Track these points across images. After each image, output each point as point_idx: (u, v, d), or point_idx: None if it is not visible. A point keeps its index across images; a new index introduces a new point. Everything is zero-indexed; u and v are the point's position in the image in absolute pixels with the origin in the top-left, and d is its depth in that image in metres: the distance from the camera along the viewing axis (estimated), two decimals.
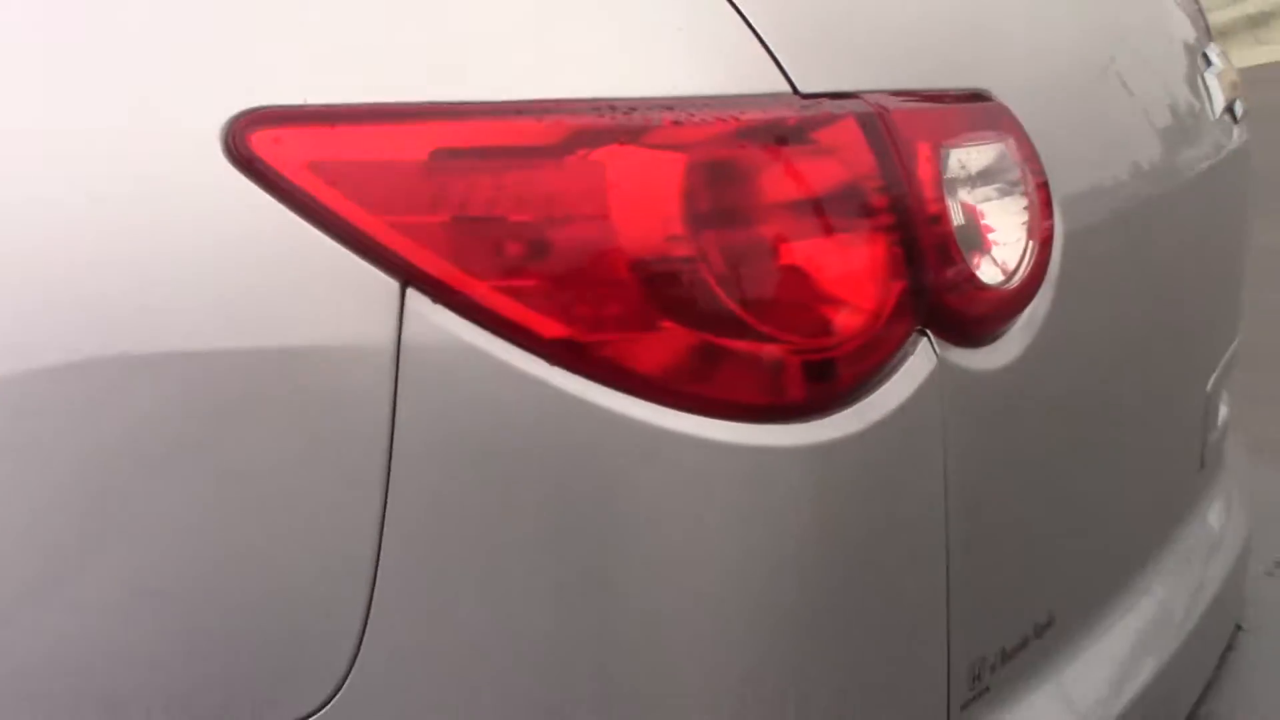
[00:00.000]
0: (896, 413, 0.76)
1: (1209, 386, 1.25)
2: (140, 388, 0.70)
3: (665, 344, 0.70)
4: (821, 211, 0.74)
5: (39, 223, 0.72)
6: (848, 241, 0.75)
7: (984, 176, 0.84)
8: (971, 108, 0.86)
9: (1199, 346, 1.25)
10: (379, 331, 0.69)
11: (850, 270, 0.74)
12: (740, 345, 0.71)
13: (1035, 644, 0.95)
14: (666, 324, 0.70)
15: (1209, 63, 1.25)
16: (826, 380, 0.74)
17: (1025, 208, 0.86)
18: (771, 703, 0.77)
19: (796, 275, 0.73)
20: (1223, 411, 1.34)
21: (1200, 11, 1.41)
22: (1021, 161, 0.86)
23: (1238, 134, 1.30)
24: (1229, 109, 1.27)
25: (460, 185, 0.70)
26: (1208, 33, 1.40)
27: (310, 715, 0.72)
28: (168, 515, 0.71)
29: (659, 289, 0.70)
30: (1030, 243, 0.86)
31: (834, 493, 0.75)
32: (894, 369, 0.77)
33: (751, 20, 0.75)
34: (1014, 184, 0.86)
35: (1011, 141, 0.86)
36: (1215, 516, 1.33)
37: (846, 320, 0.74)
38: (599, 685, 0.75)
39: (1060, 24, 1.07)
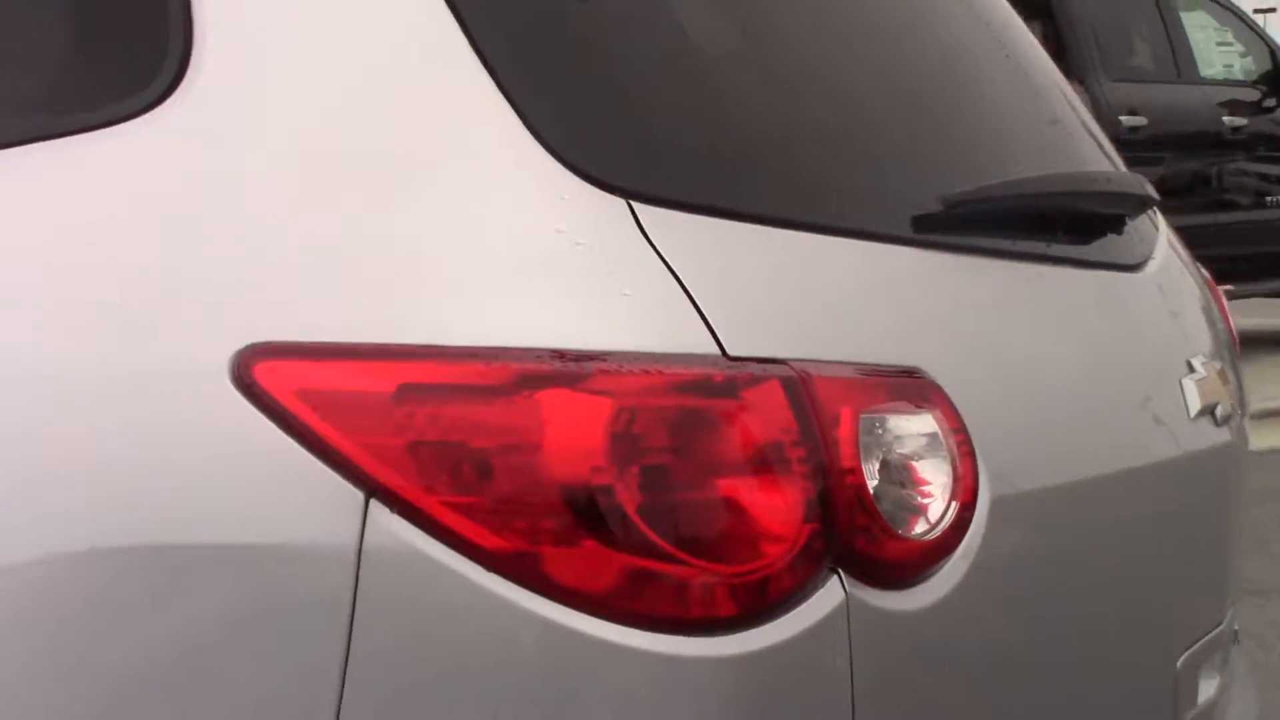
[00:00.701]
0: (798, 638, 0.86)
1: (1179, 664, 1.30)
2: (132, 575, 0.82)
3: (587, 560, 0.81)
4: (737, 459, 0.86)
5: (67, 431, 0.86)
6: (760, 486, 0.86)
7: (905, 442, 0.95)
8: (896, 381, 0.98)
9: (1162, 623, 1.30)
10: (345, 535, 0.81)
11: (760, 512, 0.85)
12: (652, 566, 0.82)
13: None
14: (588, 543, 0.81)
15: (1190, 369, 1.36)
16: (731, 603, 0.84)
17: (948, 472, 0.96)
18: None
19: (708, 511, 0.85)
20: (1206, 689, 1.38)
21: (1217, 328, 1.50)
22: (947, 431, 0.97)
23: (1220, 435, 1.39)
24: (1209, 412, 1.35)
25: (420, 415, 0.83)
26: (1229, 345, 1.49)
27: None
28: (145, 683, 0.82)
29: (582, 512, 0.81)
30: (952, 503, 0.96)
31: (734, 703, 0.84)
32: (800, 600, 0.86)
33: (691, 290, 0.89)
34: (938, 450, 0.96)
35: (938, 413, 0.97)
36: None
37: (751, 554, 0.85)
38: None
39: (1013, 319, 1.18)
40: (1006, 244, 1.20)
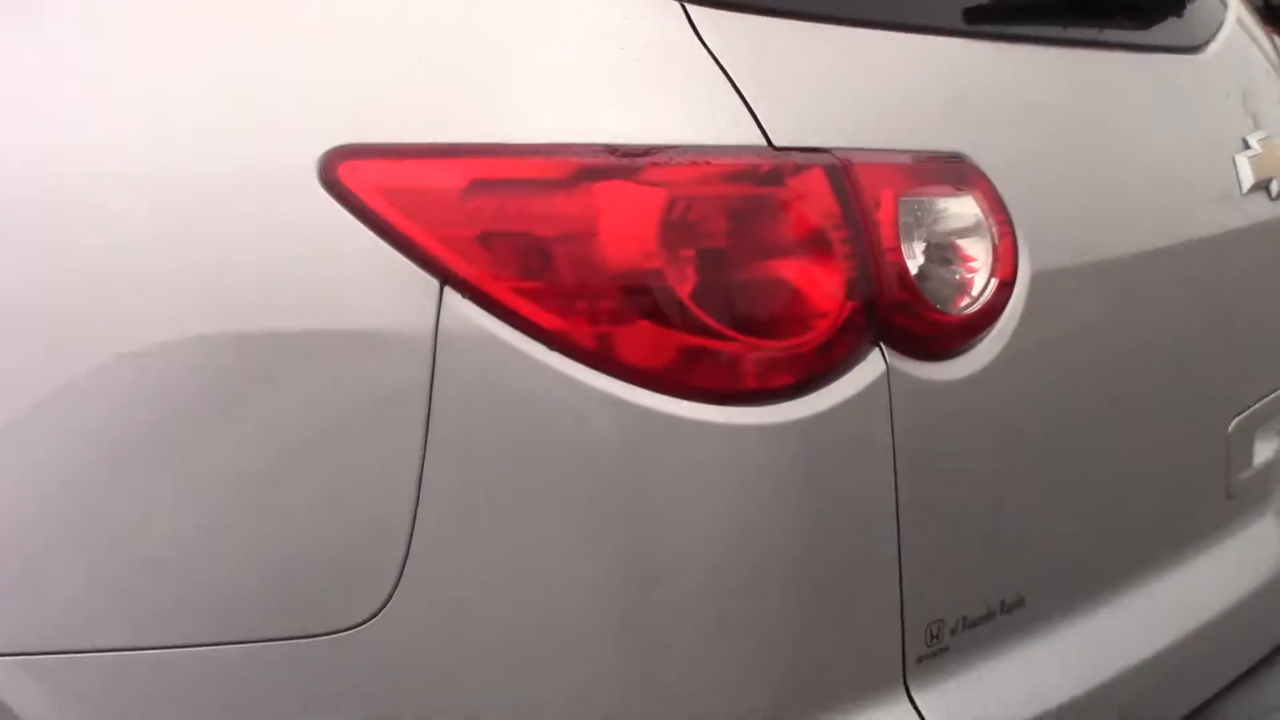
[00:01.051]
0: (843, 405, 0.93)
1: (1231, 427, 1.36)
2: (232, 359, 0.92)
3: (642, 339, 0.89)
4: (781, 243, 0.92)
5: (177, 218, 0.94)
6: (804, 268, 0.92)
7: (946, 222, 1.00)
8: (938, 165, 1.02)
9: (1213, 389, 1.35)
10: (422, 320, 0.89)
11: (804, 291, 0.92)
12: (704, 343, 0.89)
13: (1003, 619, 1.09)
14: (643, 324, 0.89)
15: (1246, 146, 1.37)
16: (778, 375, 0.91)
17: (988, 250, 1.02)
18: (744, 643, 0.95)
19: (756, 291, 0.92)
20: (1263, 450, 1.44)
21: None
22: (987, 211, 1.02)
23: (1276, 209, 1.41)
24: (1263, 186, 1.37)
25: (489, 207, 0.90)
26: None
27: (361, 623, 0.93)
28: (253, 458, 0.93)
29: (636, 295, 0.88)
30: (991, 279, 1.02)
31: (785, 465, 0.93)
32: (844, 370, 0.93)
33: (739, 85, 0.94)
34: (978, 230, 1.01)
35: (978, 195, 1.02)
36: (1250, 543, 1.42)
37: (797, 330, 0.91)
38: (615, 623, 0.93)
39: (1055, 102, 1.21)
40: (1057, 31, 1.22)
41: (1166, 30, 1.35)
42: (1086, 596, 1.19)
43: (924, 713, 1.01)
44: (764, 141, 0.93)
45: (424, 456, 0.90)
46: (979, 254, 1.02)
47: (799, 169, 0.93)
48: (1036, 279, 1.06)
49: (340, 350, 0.92)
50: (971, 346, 1.02)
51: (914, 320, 0.97)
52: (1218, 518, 1.38)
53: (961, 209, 1.02)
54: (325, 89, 0.96)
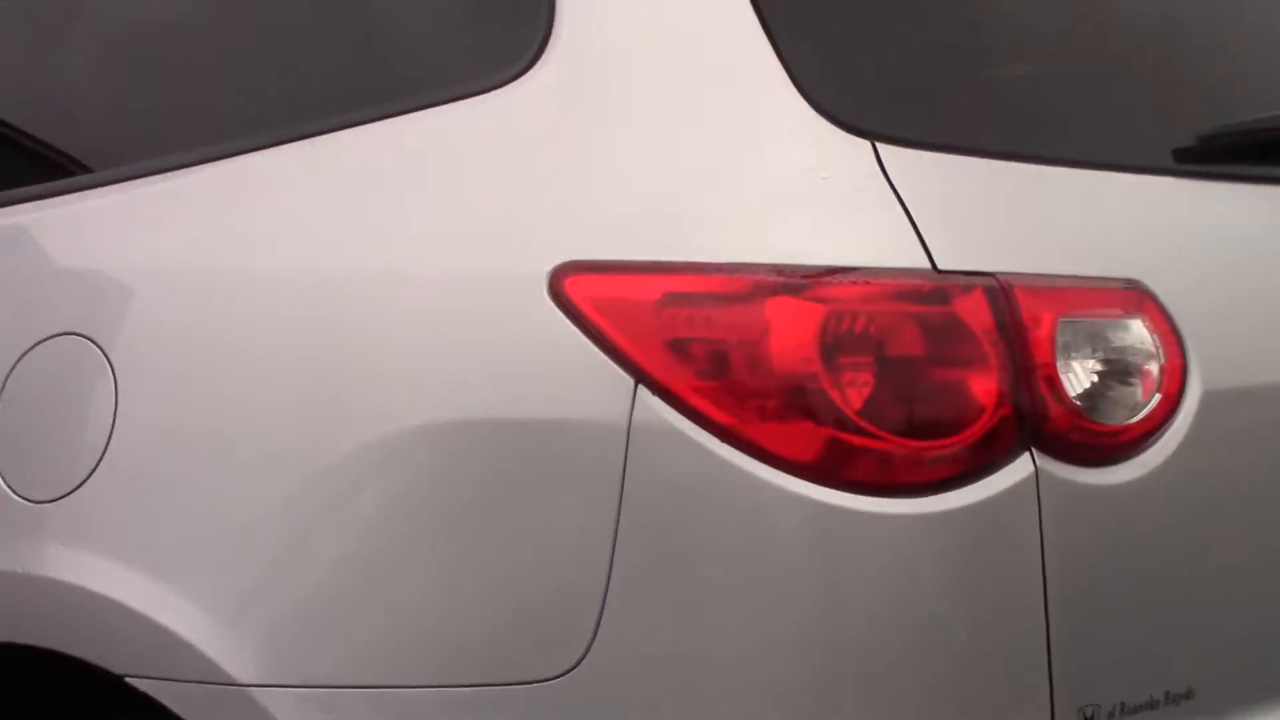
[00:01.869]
0: (990, 500, 1.03)
1: None
2: (476, 443, 1.10)
3: (800, 435, 1.02)
4: (941, 355, 1.03)
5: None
6: (957, 378, 1.03)
7: (1109, 342, 1.09)
8: (1103, 291, 1.11)
9: None
10: (619, 413, 1.05)
11: (951, 400, 1.03)
12: (855, 441, 1.01)
13: (1169, 708, 1.13)
14: (803, 422, 1.02)
15: None
16: (928, 471, 1.02)
17: (1155, 370, 1.09)
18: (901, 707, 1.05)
19: (906, 397, 1.03)
20: None
21: None
22: (1154, 333, 1.10)
23: None
24: None
25: (679, 317, 1.05)
26: None
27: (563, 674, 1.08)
28: (486, 525, 1.11)
29: (796, 396, 1.02)
30: (1155, 394, 1.09)
31: (937, 552, 1.03)
32: (992, 471, 1.03)
33: (913, 215, 1.06)
34: (1144, 351, 1.09)
35: (1145, 318, 1.10)
36: None
37: (949, 433, 1.02)
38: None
39: (1252, 236, 1.26)
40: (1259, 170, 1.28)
41: None
42: (1261, 695, 1.21)
43: None
44: (929, 265, 1.05)
45: (617, 529, 1.06)
46: (1142, 372, 1.10)
47: (963, 291, 1.04)
48: (1208, 396, 1.12)
49: (559, 436, 1.09)
50: (1133, 455, 1.10)
51: (1066, 428, 1.06)
52: None
53: (1125, 330, 1.10)
54: (558, 215, 1.15)
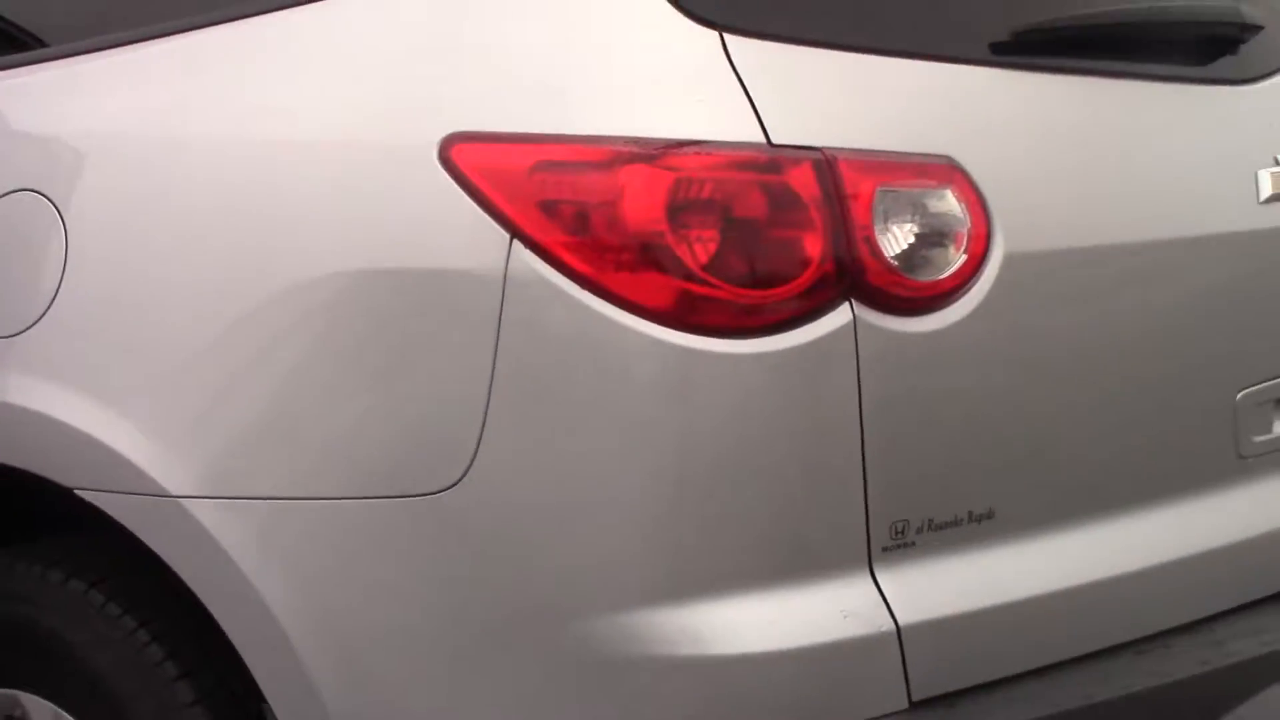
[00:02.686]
0: (813, 342, 1.21)
1: (1237, 398, 1.56)
2: (373, 289, 1.28)
3: (653, 285, 1.19)
4: (772, 217, 1.20)
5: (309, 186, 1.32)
6: (787, 237, 1.20)
7: (920, 209, 1.27)
8: (916, 164, 1.28)
9: (1213, 364, 1.56)
10: (496, 263, 1.22)
11: (786, 256, 1.20)
12: (701, 290, 1.19)
13: (970, 527, 1.33)
14: (656, 274, 1.19)
15: (1276, 163, 1.56)
16: (757, 317, 1.20)
17: (963, 233, 1.26)
18: (741, 521, 1.24)
19: (746, 254, 1.20)
20: None
21: None
22: (962, 202, 1.28)
23: None
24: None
25: (548, 181, 1.22)
26: None
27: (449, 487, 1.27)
28: (380, 358, 1.29)
29: (646, 251, 1.19)
30: (959, 256, 1.27)
31: (768, 385, 1.22)
32: (816, 317, 1.21)
33: (753, 97, 1.23)
34: (953, 217, 1.27)
35: (953, 189, 1.28)
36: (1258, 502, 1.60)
37: (779, 283, 1.19)
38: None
39: (1065, 120, 1.45)
40: (1089, 64, 1.48)
41: (1218, 66, 1.58)
42: (1057, 520, 1.41)
43: (884, 589, 1.28)
44: (765, 140, 1.21)
45: (494, 364, 1.23)
46: (949, 235, 1.27)
47: (793, 162, 1.21)
48: (1010, 259, 1.30)
49: (443, 283, 1.26)
50: (942, 307, 1.28)
51: (881, 282, 1.24)
52: (1225, 474, 1.57)
53: (939, 199, 1.27)
54: (448, 90, 1.30)
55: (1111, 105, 1.50)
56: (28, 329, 1.45)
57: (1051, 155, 1.41)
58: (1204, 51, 1.60)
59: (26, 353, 1.46)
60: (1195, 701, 1.57)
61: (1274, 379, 1.60)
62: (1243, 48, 1.61)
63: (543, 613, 1.27)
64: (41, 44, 1.71)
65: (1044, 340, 1.37)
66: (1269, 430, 1.60)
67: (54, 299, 1.43)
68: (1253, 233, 1.54)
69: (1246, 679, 1.56)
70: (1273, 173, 1.53)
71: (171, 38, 1.49)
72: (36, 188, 1.49)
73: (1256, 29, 1.60)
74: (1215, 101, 1.61)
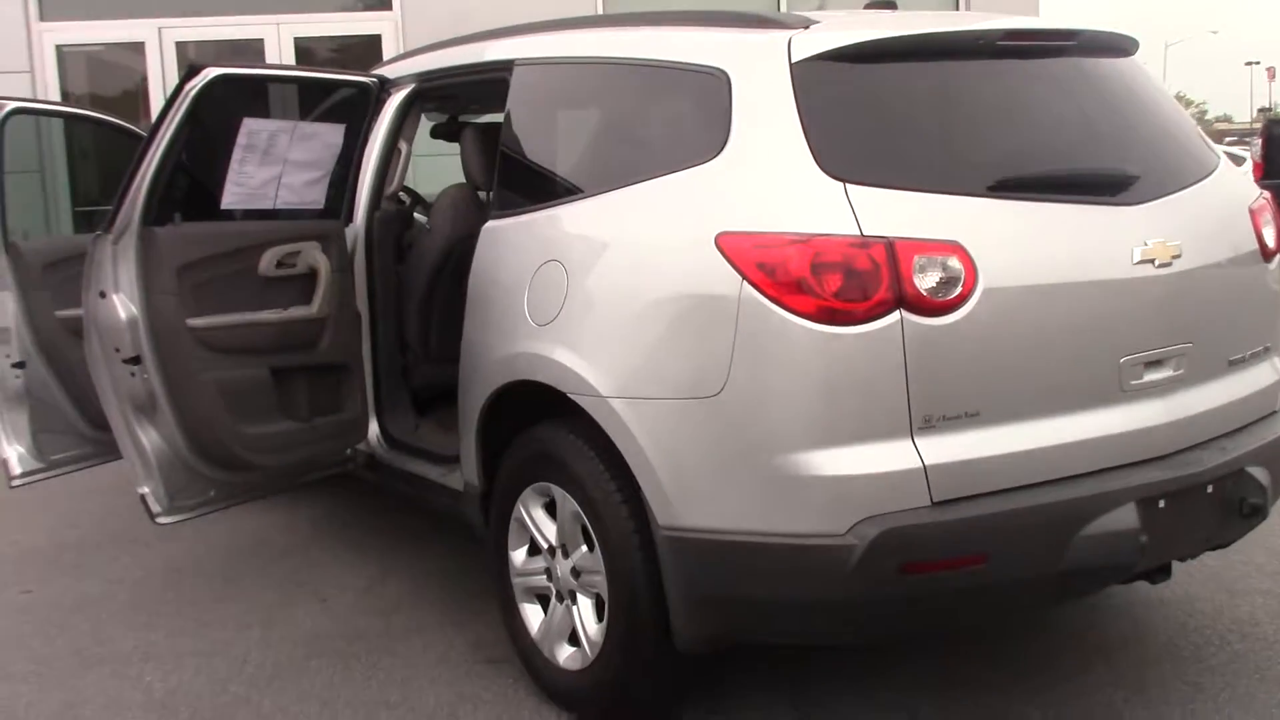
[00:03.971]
0: (881, 328, 2.66)
1: (1121, 361, 2.92)
2: (677, 305, 2.88)
3: (805, 302, 2.67)
4: (861, 269, 2.66)
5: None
6: (869, 281, 2.65)
7: (939, 266, 2.69)
8: (938, 244, 2.71)
9: (1107, 345, 2.91)
10: (735, 293, 2.74)
11: (867, 290, 2.66)
12: (827, 304, 2.66)
13: (966, 419, 2.74)
14: (805, 296, 2.68)
15: (1144, 244, 3.03)
16: (856, 318, 2.66)
17: (961, 279, 2.69)
18: (843, 415, 2.71)
19: (848, 287, 2.67)
20: (1153, 374, 2.98)
21: None
22: (960, 263, 2.70)
23: (1158, 271, 2.97)
24: (1149, 261, 2.96)
25: (758, 254, 2.73)
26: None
27: (715, 394, 2.79)
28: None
29: (802, 286, 2.67)
30: (959, 289, 2.69)
31: (860, 352, 2.68)
32: (882, 317, 2.66)
33: (859, 218, 2.69)
34: (956, 271, 2.69)
35: (955, 257, 2.69)
36: (1135, 415, 2.96)
37: (864, 303, 2.65)
38: None
39: (1031, 226, 2.88)
40: (1061, 197, 2.92)
41: (1118, 196, 3.02)
42: (1017, 418, 2.80)
43: (919, 448, 2.71)
44: (860, 233, 2.67)
45: (735, 338, 2.74)
46: (955, 279, 2.69)
47: (872, 241, 2.66)
48: (987, 291, 2.71)
49: (716, 302, 2.78)
50: (950, 313, 2.69)
51: (916, 300, 2.67)
52: (1115, 398, 2.93)
53: (947, 261, 2.69)
54: (716, 212, 2.83)
55: (1053, 216, 2.89)
56: (553, 320, 3.17)
57: (1011, 239, 2.80)
58: (1111, 188, 3.00)
59: (554, 331, 3.17)
60: (1079, 508, 2.84)
61: (1139, 352, 2.97)
62: (1131, 187, 3.00)
63: (758, 449, 2.76)
64: (568, 192, 3.45)
65: (1006, 331, 2.77)
66: (1139, 378, 2.98)
67: (562, 308, 3.14)
68: (1129, 279, 2.92)
69: (1111, 501, 2.85)
70: (1140, 249, 2.92)
71: (600, 195, 3.18)
72: (558, 258, 3.19)
73: (1136, 177, 2.99)
74: (1115, 214, 2.99)
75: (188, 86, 3.57)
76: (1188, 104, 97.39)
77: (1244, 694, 3.36)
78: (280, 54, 10.61)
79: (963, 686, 3.47)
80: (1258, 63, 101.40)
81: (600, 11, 10.81)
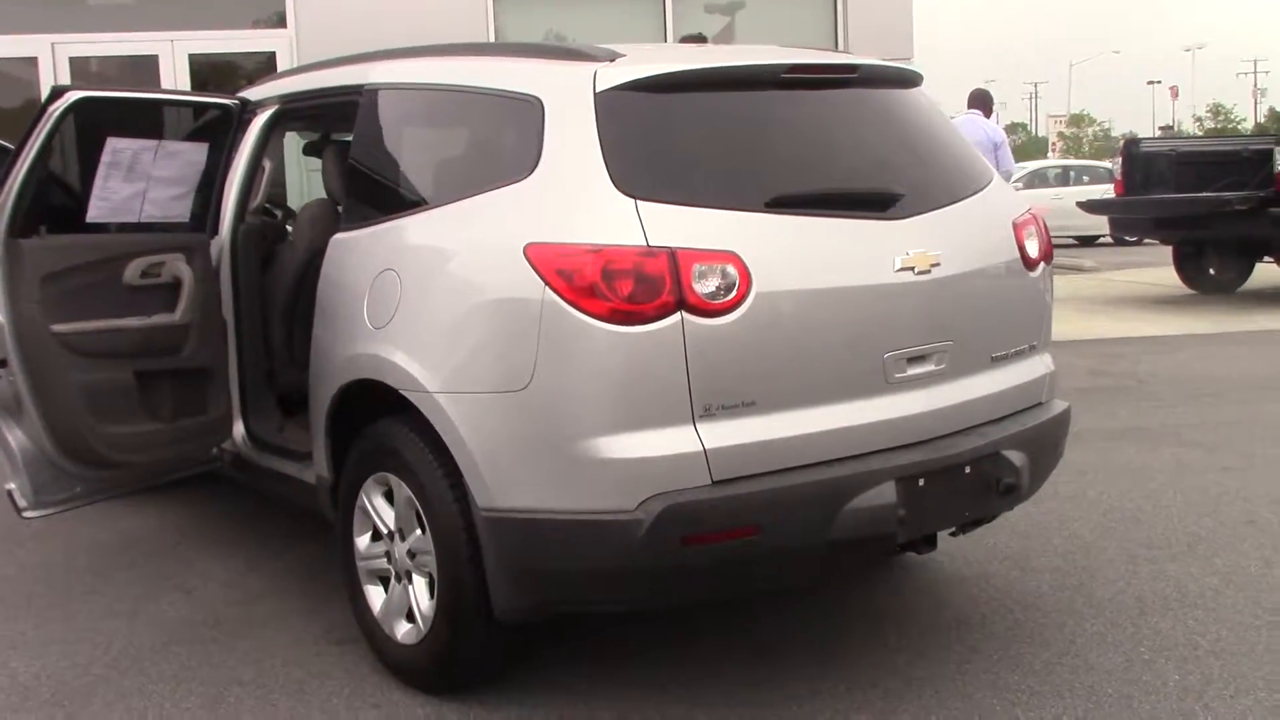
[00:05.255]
0: (656, 330, 3.01)
1: (884, 356, 3.31)
2: (490, 308, 3.21)
3: (598, 304, 3.02)
4: (647, 276, 3.01)
5: None
6: (653, 286, 3.01)
7: (717, 274, 3.06)
8: (717, 254, 3.08)
9: (872, 341, 3.30)
10: (538, 296, 3.08)
11: (651, 294, 3.01)
12: (618, 306, 3.01)
13: (742, 408, 3.10)
14: (597, 300, 3.02)
15: (907, 254, 3.42)
16: (642, 319, 3.01)
17: (736, 284, 3.05)
18: (634, 404, 3.06)
19: (635, 292, 3.01)
20: (917, 367, 3.37)
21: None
22: (736, 270, 3.07)
23: (918, 278, 3.36)
24: (909, 269, 3.34)
25: (558, 262, 3.07)
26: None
27: (523, 388, 3.13)
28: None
29: (594, 290, 3.01)
30: (734, 293, 3.06)
31: (640, 350, 3.03)
32: (665, 318, 3.01)
33: (646, 230, 3.04)
34: (728, 274, 3.06)
35: (732, 264, 3.06)
36: (899, 405, 3.35)
37: (649, 304, 3.00)
38: None
39: (802, 236, 3.26)
40: (826, 210, 3.28)
41: (885, 212, 3.40)
42: (789, 407, 3.17)
43: (700, 433, 3.06)
44: (646, 244, 3.02)
45: (539, 337, 3.08)
46: (732, 284, 3.05)
47: (657, 250, 3.01)
48: (759, 295, 3.07)
49: (524, 304, 3.12)
50: (727, 314, 3.06)
51: (696, 303, 3.03)
52: (881, 389, 3.31)
53: (723, 270, 3.05)
54: (530, 221, 3.17)
55: (823, 229, 3.27)
56: (388, 324, 3.48)
57: (784, 249, 3.17)
58: (877, 205, 3.39)
59: (389, 334, 3.49)
60: (844, 485, 3.21)
61: (902, 349, 3.36)
62: (897, 204, 3.40)
63: (560, 436, 3.10)
64: (404, 207, 3.76)
65: (778, 330, 3.14)
66: (903, 372, 3.37)
67: (396, 312, 3.46)
68: (890, 284, 3.31)
69: (872, 479, 3.23)
70: (901, 258, 3.30)
71: (431, 209, 3.51)
72: (394, 267, 3.52)
73: (901, 195, 3.39)
74: (880, 227, 3.38)
75: (51, 108, 3.84)
76: (1090, 123, 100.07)
77: (1014, 655, 3.76)
78: (175, 70, 10.80)
79: (769, 654, 3.84)
80: (1159, 82, 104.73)
81: (490, 23, 11.15)
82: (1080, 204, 13.05)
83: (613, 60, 3.39)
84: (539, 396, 3.11)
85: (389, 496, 3.68)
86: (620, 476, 3.05)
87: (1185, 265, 12.83)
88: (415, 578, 3.59)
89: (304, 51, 10.63)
